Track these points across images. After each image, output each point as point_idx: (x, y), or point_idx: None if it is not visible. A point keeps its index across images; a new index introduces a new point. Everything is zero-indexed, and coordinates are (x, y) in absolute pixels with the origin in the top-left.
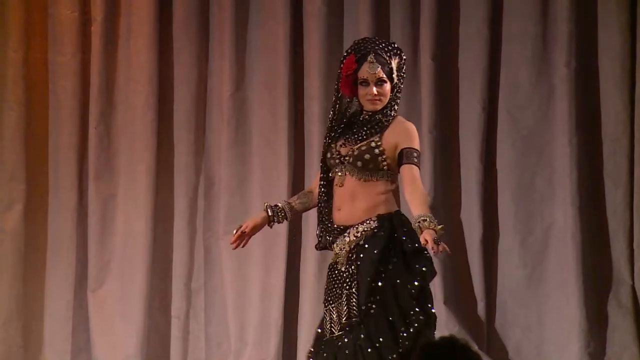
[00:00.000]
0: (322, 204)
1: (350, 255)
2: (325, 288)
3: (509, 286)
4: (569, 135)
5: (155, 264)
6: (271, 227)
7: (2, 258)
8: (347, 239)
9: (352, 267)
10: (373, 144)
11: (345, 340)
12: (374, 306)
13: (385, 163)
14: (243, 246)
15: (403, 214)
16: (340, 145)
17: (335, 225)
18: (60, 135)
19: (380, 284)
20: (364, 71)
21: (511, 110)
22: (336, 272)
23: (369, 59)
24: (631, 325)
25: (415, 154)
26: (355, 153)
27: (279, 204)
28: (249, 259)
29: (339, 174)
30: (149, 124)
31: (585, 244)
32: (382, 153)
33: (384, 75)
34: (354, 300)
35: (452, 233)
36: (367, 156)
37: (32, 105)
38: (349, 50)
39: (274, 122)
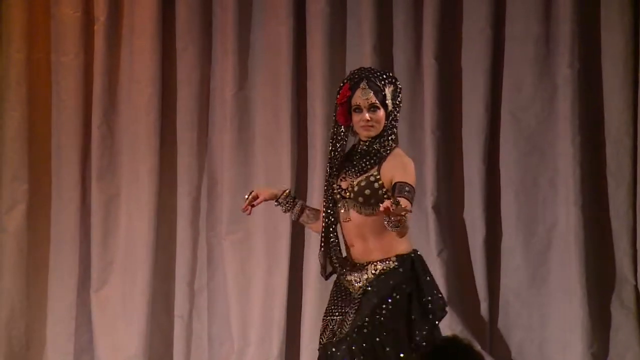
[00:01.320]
0: (331, 236)
1: (367, 287)
2: (330, 302)
3: (511, 286)
4: (571, 136)
5: (158, 264)
6: (276, 204)
7: (5, 258)
8: (366, 276)
9: (365, 292)
10: (372, 178)
11: (333, 349)
12: (365, 323)
13: (386, 196)
14: (249, 213)
15: (421, 255)
16: (341, 179)
17: (350, 261)
18: (63, 135)
19: (383, 309)
20: (357, 97)
21: (514, 111)
22: (345, 294)
23: (361, 85)
24: (634, 325)
25: (407, 188)
26: (356, 189)
27: (297, 200)
28: (251, 259)
29: (342, 210)
30: (151, 124)
31: (588, 244)
32: (381, 187)
33: (377, 101)
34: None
35: (455, 233)
36: (367, 191)
37: (35, 105)
38: (344, 80)
39: (277, 122)
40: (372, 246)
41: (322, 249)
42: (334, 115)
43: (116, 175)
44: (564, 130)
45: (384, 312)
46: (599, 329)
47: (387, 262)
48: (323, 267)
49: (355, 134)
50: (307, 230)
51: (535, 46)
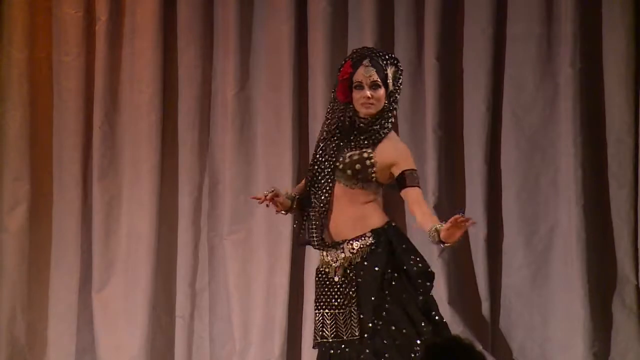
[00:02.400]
0: (318, 208)
1: (347, 272)
2: (317, 293)
3: (513, 286)
4: (573, 135)
5: (160, 264)
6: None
7: (7, 258)
8: (343, 255)
9: (353, 284)
10: (365, 155)
11: (347, 350)
12: (380, 322)
13: (374, 175)
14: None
15: (396, 225)
16: (334, 150)
17: (327, 240)
18: (65, 135)
19: (386, 299)
20: (359, 74)
21: (516, 111)
22: (327, 280)
23: (364, 62)
24: (636, 325)
25: (416, 175)
26: (347, 161)
27: (292, 197)
28: (253, 259)
29: (329, 182)
30: (153, 123)
31: (589, 244)
32: (373, 165)
33: (379, 79)
34: (355, 318)
35: None
36: (357, 166)
37: (37, 105)
38: (346, 58)
39: (278, 122)
40: (348, 214)
41: (307, 216)
42: (333, 92)
43: (117, 175)
44: (565, 129)
45: (386, 304)
46: (600, 329)
47: (363, 238)
48: (299, 235)
49: (354, 112)
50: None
51: (536, 46)
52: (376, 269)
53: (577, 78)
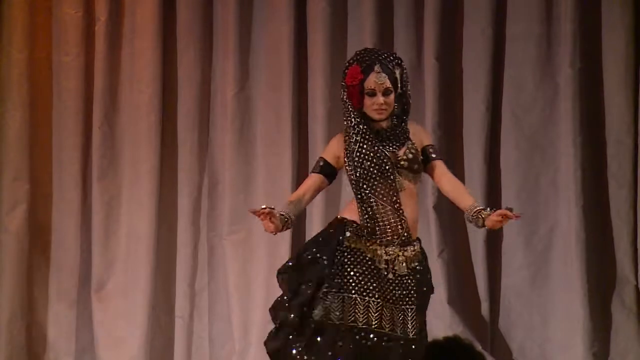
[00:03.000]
0: (368, 212)
1: (408, 272)
2: (361, 278)
3: (512, 286)
4: (573, 136)
5: (159, 264)
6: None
7: (6, 258)
8: (406, 254)
9: (413, 284)
10: (414, 149)
11: (384, 346)
12: (422, 330)
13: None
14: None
15: None
16: (389, 153)
17: (403, 229)
18: (64, 135)
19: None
20: (371, 81)
21: (515, 111)
22: (376, 270)
23: (375, 68)
24: (635, 325)
25: (437, 149)
26: (409, 157)
27: (285, 214)
28: (252, 259)
29: (397, 179)
30: (152, 124)
31: (589, 244)
32: (419, 153)
33: (391, 85)
34: (412, 319)
35: (456, 233)
36: (420, 158)
37: (36, 105)
38: (351, 61)
39: (278, 122)
40: (414, 218)
41: (367, 221)
42: (345, 98)
43: (117, 175)
44: (565, 130)
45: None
46: (600, 329)
47: (418, 243)
48: (364, 237)
49: (365, 116)
50: (308, 230)
51: (536, 46)
52: (428, 276)
53: (576, 78)
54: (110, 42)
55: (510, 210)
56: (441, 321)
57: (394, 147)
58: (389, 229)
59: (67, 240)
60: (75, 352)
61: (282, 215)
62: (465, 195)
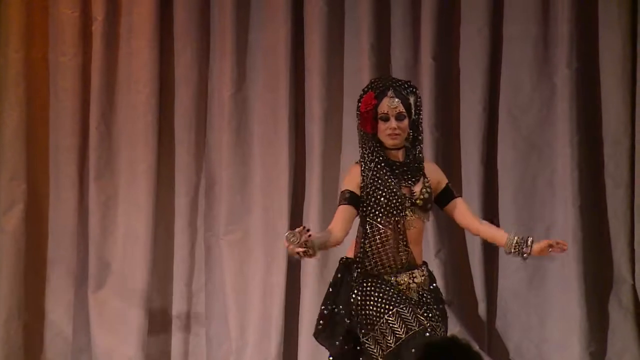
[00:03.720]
0: (375, 245)
1: (421, 295)
2: (387, 295)
3: (510, 287)
4: (569, 136)
5: (156, 264)
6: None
7: (3, 258)
8: (417, 280)
9: (431, 306)
10: (427, 183)
11: None
12: None
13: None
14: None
15: None
16: (403, 190)
17: (409, 262)
18: (61, 135)
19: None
20: (384, 106)
21: (512, 111)
22: (399, 290)
23: (388, 93)
24: (632, 325)
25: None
26: (426, 196)
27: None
28: (249, 259)
29: (409, 217)
30: (149, 124)
31: (586, 244)
32: (432, 193)
33: (404, 110)
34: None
35: (453, 233)
36: (431, 198)
37: (33, 105)
38: (366, 89)
39: (275, 123)
40: (419, 251)
41: (372, 253)
42: (360, 127)
43: (114, 175)
44: (562, 130)
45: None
46: (597, 329)
47: (425, 268)
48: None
49: (379, 141)
50: None
51: (533, 46)
52: (440, 295)
53: (573, 78)
54: (107, 42)
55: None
56: None
57: (410, 182)
58: (387, 262)
59: (64, 240)
60: (72, 352)
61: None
62: (498, 229)
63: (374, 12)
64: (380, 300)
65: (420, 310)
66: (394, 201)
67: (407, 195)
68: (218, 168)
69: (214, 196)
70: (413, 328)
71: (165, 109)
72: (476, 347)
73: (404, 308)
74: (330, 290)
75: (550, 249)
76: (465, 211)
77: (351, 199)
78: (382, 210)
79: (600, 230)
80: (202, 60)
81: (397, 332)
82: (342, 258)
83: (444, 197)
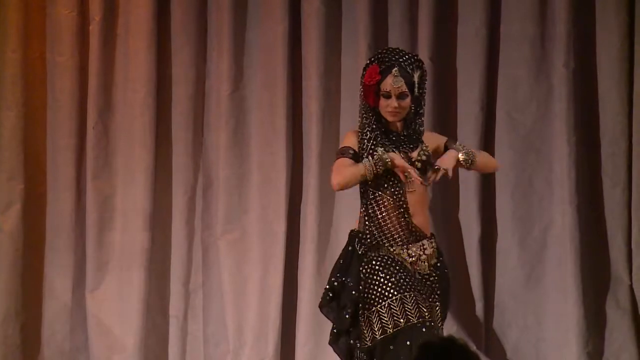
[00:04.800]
0: (376, 216)
1: (430, 269)
2: (395, 279)
3: (507, 286)
4: (567, 135)
5: (154, 263)
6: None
7: (1, 258)
8: (426, 252)
9: (436, 280)
10: (426, 150)
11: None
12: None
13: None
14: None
15: None
16: (401, 153)
17: (414, 230)
18: (59, 135)
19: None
20: (387, 84)
21: (509, 111)
22: (403, 267)
23: (393, 72)
24: (629, 324)
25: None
26: (423, 158)
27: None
28: (247, 259)
29: (408, 180)
30: (147, 123)
31: (583, 244)
32: (430, 154)
33: (407, 89)
34: (438, 314)
35: (450, 233)
36: (431, 160)
37: (30, 105)
38: (372, 59)
39: (273, 122)
40: (426, 216)
41: (376, 225)
42: (361, 95)
43: (111, 175)
44: (559, 130)
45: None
46: (594, 329)
47: (434, 239)
48: (377, 245)
49: (380, 115)
50: (302, 230)
51: (530, 46)
52: (446, 270)
53: (570, 78)
54: (104, 41)
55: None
56: None
57: (407, 148)
58: (394, 231)
59: (61, 240)
60: (69, 352)
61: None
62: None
63: (371, 12)
64: (386, 282)
65: (424, 294)
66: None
67: (404, 159)
68: (215, 168)
69: (212, 196)
70: (412, 320)
71: (163, 109)
72: (474, 347)
73: (408, 296)
74: (341, 262)
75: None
76: None
77: (355, 155)
78: (382, 181)
79: (597, 229)
80: (200, 60)
81: (397, 320)
82: (352, 230)
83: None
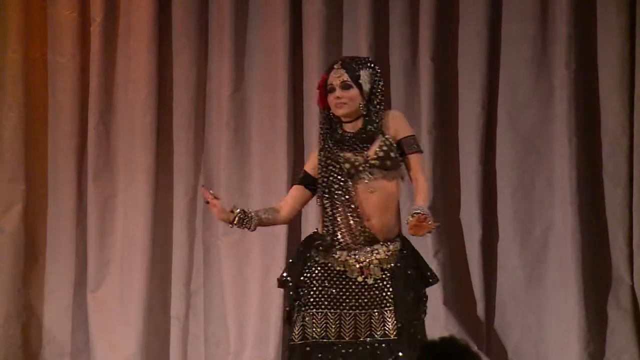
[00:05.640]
0: (329, 219)
1: (382, 274)
2: (325, 293)
3: (508, 286)
4: (568, 136)
5: (155, 264)
6: (232, 226)
7: (2, 258)
8: (378, 256)
9: (389, 285)
10: (387, 142)
11: (379, 353)
12: (411, 328)
13: (398, 155)
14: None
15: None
16: (354, 155)
17: (365, 234)
18: (60, 136)
19: (417, 306)
20: (331, 77)
21: (511, 111)
22: (342, 277)
23: (335, 66)
24: (630, 325)
25: (413, 141)
26: (381, 154)
27: (248, 212)
28: (248, 260)
29: (366, 180)
30: (148, 124)
31: (584, 244)
32: (392, 144)
33: (349, 79)
34: (390, 319)
35: (451, 233)
36: (392, 154)
37: (32, 105)
38: (325, 70)
39: (273, 123)
40: (387, 221)
41: (328, 229)
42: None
43: (112, 175)
44: (560, 130)
45: (418, 306)
46: (595, 329)
47: (396, 242)
48: (327, 247)
49: (334, 116)
50: (303, 231)
51: (531, 47)
52: (409, 272)
53: (572, 79)
54: (105, 42)
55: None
56: (437, 322)
57: (363, 147)
58: (348, 235)
59: (62, 240)
60: (71, 352)
61: (245, 213)
62: (420, 198)
63: (372, 12)
64: (316, 294)
65: (359, 308)
66: (341, 170)
67: (358, 161)
68: (216, 168)
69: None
70: (316, 337)
71: (164, 109)
72: (475, 348)
73: (320, 313)
74: (291, 261)
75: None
76: (412, 169)
77: (303, 179)
78: (331, 181)
79: (598, 230)
80: (201, 61)
81: (307, 332)
82: (312, 232)
83: (401, 150)
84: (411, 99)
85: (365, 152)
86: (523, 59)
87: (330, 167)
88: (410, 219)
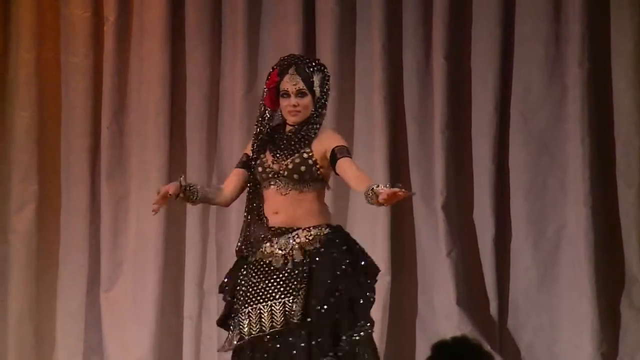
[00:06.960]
0: (252, 213)
1: (304, 258)
2: (250, 286)
3: (521, 287)
4: (581, 136)
5: (168, 264)
6: (175, 198)
7: (15, 258)
8: (298, 240)
9: (306, 268)
10: (306, 155)
11: (290, 339)
12: (325, 307)
13: (319, 172)
14: (156, 211)
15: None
16: (273, 162)
17: (271, 227)
18: (73, 136)
19: (338, 287)
20: (285, 83)
21: (523, 111)
22: (269, 271)
23: (290, 71)
24: None
25: (345, 149)
26: (290, 167)
27: (194, 184)
28: None
29: (275, 187)
30: (161, 124)
31: (597, 245)
32: (315, 163)
33: (304, 87)
34: (299, 304)
35: (464, 233)
36: (302, 168)
37: (45, 105)
38: (274, 66)
39: None
40: (299, 212)
41: (249, 223)
42: (262, 99)
43: (126, 175)
44: (573, 130)
45: (336, 291)
46: (608, 329)
47: (320, 228)
48: (242, 246)
49: (282, 118)
50: None
51: (545, 46)
52: (334, 254)
53: (585, 79)
54: (118, 42)
55: (400, 188)
56: (449, 321)
57: (286, 154)
58: (256, 231)
59: (75, 240)
60: (83, 353)
61: (192, 185)
62: (366, 182)
63: (385, 12)
64: (245, 291)
65: (278, 293)
66: (256, 170)
67: (273, 170)
68: (229, 168)
69: None
70: (245, 334)
71: (177, 110)
72: (487, 348)
73: (261, 307)
74: (232, 266)
75: (387, 197)
76: (347, 170)
77: (244, 162)
78: (255, 180)
79: (611, 230)
80: (214, 61)
81: (242, 332)
82: None
83: (331, 161)
84: (424, 99)
85: (283, 162)
86: (536, 58)
87: (258, 167)
88: (380, 189)
